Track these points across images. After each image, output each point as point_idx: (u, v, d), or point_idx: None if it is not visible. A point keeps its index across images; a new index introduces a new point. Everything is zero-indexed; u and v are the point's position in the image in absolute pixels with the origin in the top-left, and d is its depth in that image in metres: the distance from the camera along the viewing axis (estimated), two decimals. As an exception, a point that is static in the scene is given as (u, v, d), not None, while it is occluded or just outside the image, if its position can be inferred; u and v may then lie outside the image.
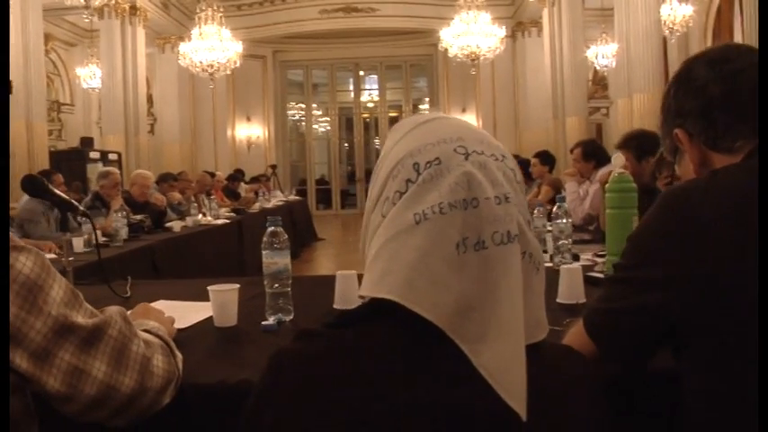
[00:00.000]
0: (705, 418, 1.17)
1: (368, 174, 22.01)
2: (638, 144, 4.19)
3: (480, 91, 19.56)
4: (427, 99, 22.00)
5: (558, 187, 7.10)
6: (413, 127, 0.95)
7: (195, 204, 7.20)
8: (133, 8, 14.74)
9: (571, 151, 6.65)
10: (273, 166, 16.54)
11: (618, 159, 2.73)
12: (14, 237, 1.11)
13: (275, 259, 1.96)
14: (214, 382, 1.42)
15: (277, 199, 12.15)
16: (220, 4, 14.02)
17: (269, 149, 20.07)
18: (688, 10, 13.85)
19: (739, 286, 1.09)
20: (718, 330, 1.13)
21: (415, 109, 22.34)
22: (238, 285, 1.98)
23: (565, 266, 2.22)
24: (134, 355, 1.19)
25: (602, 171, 5.32)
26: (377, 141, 22.71)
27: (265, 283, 1.98)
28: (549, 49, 15.96)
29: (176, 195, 7.59)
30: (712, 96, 1.26)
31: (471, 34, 14.83)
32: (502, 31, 15.11)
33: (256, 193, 11.20)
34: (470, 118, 19.98)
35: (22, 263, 1.07)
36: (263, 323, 1.91)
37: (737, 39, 14.05)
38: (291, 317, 1.98)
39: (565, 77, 15.31)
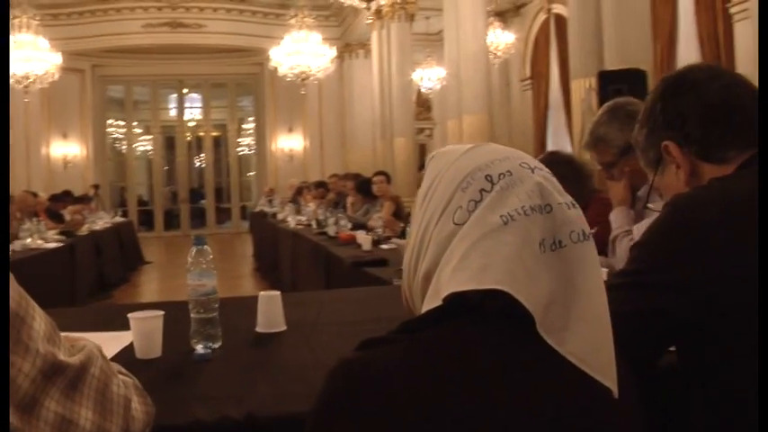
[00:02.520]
0: (705, 418, 1.22)
1: (192, 194, 21.38)
2: None
3: (307, 111, 19.58)
4: (252, 119, 21.69)
5: (398, 203, 7.35)
6: (465, 150, 0.99)
7: (26, 227, 6.61)
8: (-66, 12, 13.48)
9: (420, 168, 6.83)
10: (96, 186, 15.65)
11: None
12: None
13: (203, 281, 1.77)
14: (189, 421, 1.22)
15: (104, 221, 11.47)
16: (36, 12, 13.13)
17: (87, 169, 18.94)
18: (510, 38, 14.61)
19: (748, 292, 1.12)
20: (725, 334, 1.16)
21: (240, 129, 21.99)
22: (163, 312, 1.77)
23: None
24: (116, 397, 0.98)
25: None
26: (199, 161, 22.11)
27: (191, 307, 1.78)
28: (378, 70, 16.23)
29: (-2, 217, 6.93)
30: (706, 109, 1.33)
31: (302, 54, 14.84)
32: (332, 52, 15.24)
33: (82, 215, 10.52)
34: (297, 138, 19.97)
35: None
36: (195, 352, 1.71)
37: (554, 67, 15.01)
38: (220, 343, 1.79)
39: (393, 99, 15.60)
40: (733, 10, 10.16)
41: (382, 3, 15.20)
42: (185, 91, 21.67)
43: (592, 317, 0.88)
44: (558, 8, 14.63)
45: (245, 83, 21.12)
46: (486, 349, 0.86)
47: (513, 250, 0.86)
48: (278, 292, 2.02)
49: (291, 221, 8.95)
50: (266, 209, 13.32)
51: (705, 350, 1.20)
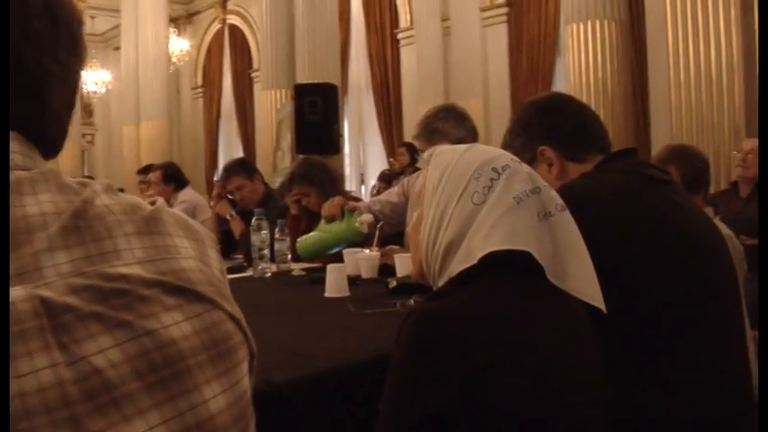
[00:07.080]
0: None
1: None
2: (246, 167, 4.53)
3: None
4: None
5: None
6: (465, 149, 1.31)
7: None
8: None
9: (140, 173, 6.89)
10: None
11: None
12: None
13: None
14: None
15: None
16: None
17: None
18: (185, 44, 14.61)
19: (621, 248, 1.54)
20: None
21: None
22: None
23: (332, 266, 2.44)
24: None
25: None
26: None
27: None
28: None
29: None
30: (571, 124, 1.82)
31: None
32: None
33: None
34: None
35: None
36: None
37: (227, 77, 15.20)
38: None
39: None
40: (400, 36, 11.32)
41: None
42: None
43: (579, 261, 1.24)
44: (232, 18, 14.94)
45: None
46: (524, 291, 1.19)
47: (527, 223, 1.19)
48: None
49: None
50: None
51: None
